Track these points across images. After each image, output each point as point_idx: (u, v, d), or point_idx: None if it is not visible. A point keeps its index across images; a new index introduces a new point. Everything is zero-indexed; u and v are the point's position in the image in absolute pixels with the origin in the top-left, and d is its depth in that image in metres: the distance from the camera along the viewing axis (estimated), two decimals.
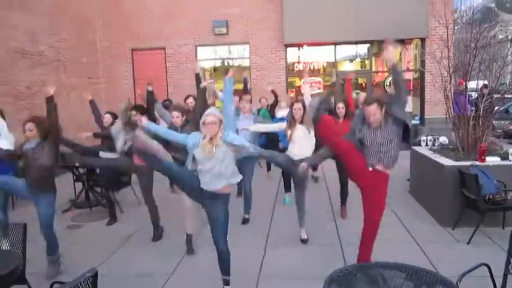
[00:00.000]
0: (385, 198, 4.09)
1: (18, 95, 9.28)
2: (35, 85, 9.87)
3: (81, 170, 7.31)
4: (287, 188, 6.85)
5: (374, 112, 3.89)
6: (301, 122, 5.01)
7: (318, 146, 4.91)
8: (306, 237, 5.25)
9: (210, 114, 3.61)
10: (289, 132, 5.04)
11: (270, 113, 8.09)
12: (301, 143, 4.96)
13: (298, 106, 5.03)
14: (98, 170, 7.01)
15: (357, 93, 12.84)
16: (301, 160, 4.71)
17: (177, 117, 4.98)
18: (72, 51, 11.61)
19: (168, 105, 7.85)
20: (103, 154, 6.27)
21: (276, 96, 8.43)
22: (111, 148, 5.73)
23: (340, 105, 5.78)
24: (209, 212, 3.79)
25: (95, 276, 2.75)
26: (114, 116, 6.28)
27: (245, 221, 6.01)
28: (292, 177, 5.30)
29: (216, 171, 3.59)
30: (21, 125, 4.30)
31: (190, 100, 6.59)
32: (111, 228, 6.14)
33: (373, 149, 3.97)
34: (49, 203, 4.38)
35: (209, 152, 3.57)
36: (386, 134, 3.94)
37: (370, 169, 4.00)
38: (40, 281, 3.79)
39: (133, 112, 5.28)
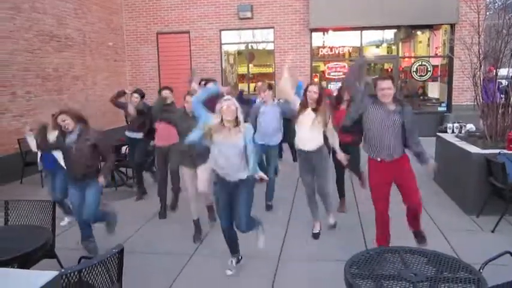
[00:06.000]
0: (414, 176, 4.09)
1: (46, 76, 9.48)
2: (62, 67, 10.07)
3: None
4: None
5: (389, 86, 3.85)
6: (315, 109, 4.62)
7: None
8: (333, 222, 5.12)
9: (228, 100, 3.72)
10: (299, 117, 4.73)
11: None
12: (309, 131, 4.64)
13: (313, 89, 4.64)
14: (123, 151, 7.23)
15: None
16: (310, 153, 4.64)
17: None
18: (98, 34, 11.76)
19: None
20: (129, 134, 6.73)
21: None
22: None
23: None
24: (234, 198, 3.87)
25: (121, 252, 2.84)
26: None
27: (268, 208, 5.97)
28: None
29: (235, 161, 3.71)
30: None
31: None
32: (136, 207, 6.30)
33: (375, 133, 3.93)
34: (98, 188, 4.52)
35: (226, 136, 3.68)
36: (394, 117, 3.87)
37: (379, 159, 3.99)
38: (68, 256, 3.93)
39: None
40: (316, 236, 4.92)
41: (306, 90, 4.75)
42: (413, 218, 4.19)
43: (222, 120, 3.68)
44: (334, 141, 4.74)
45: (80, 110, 4.60)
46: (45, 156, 5.46)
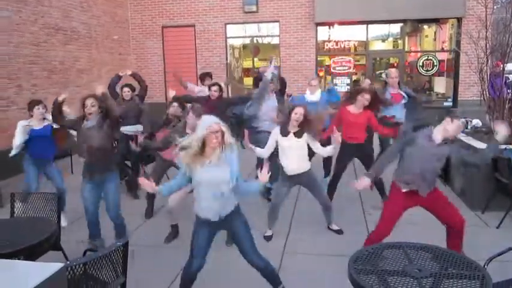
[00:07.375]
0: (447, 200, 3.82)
1: (52, 69, 9.51)
2: (68, 60, 10.09)
3: None
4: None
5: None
6: (296, 134, 4.37)
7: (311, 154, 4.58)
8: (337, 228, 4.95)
9: (214, 122, 2.98)
10: (283, 141, 4.43)
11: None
12: (295, 154, 4.42)
13: (300, 111, 4.30)
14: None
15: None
16: (298, 175, 4.47)
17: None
18: (103, 27, 11.76)
19: None
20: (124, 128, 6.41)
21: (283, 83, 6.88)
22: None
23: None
24: (229, 231, 3.45)
25: (125, 245, 2.86)
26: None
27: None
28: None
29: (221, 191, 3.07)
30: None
31: (215, 88, 6.08)
32: (140, 201, 6.30)
33: (418, 164, 3.56)
34: (117, 182, 4.45)
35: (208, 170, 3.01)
36: (442, 151, 3.60)
37: (404, 190, 3.67)
38: (74, 248, 3.96)
39: None
40: (268, 238, 4.79)
41: (291, 111, 4.36)
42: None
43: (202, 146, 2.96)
44: (327, 151, 4.60)
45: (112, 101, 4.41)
46: (35, 143, 5.11)
